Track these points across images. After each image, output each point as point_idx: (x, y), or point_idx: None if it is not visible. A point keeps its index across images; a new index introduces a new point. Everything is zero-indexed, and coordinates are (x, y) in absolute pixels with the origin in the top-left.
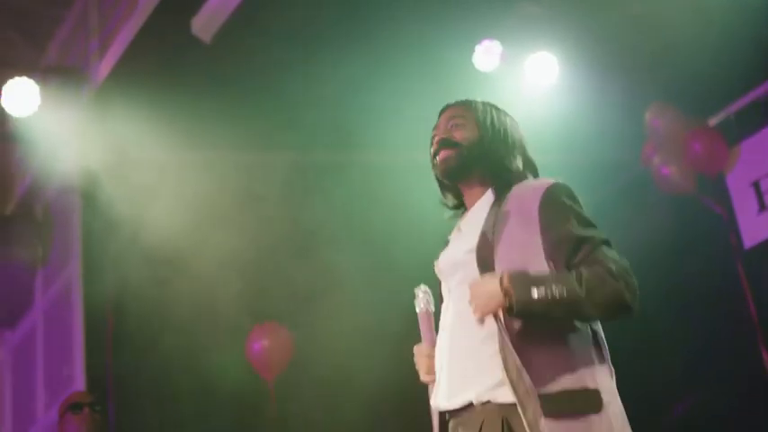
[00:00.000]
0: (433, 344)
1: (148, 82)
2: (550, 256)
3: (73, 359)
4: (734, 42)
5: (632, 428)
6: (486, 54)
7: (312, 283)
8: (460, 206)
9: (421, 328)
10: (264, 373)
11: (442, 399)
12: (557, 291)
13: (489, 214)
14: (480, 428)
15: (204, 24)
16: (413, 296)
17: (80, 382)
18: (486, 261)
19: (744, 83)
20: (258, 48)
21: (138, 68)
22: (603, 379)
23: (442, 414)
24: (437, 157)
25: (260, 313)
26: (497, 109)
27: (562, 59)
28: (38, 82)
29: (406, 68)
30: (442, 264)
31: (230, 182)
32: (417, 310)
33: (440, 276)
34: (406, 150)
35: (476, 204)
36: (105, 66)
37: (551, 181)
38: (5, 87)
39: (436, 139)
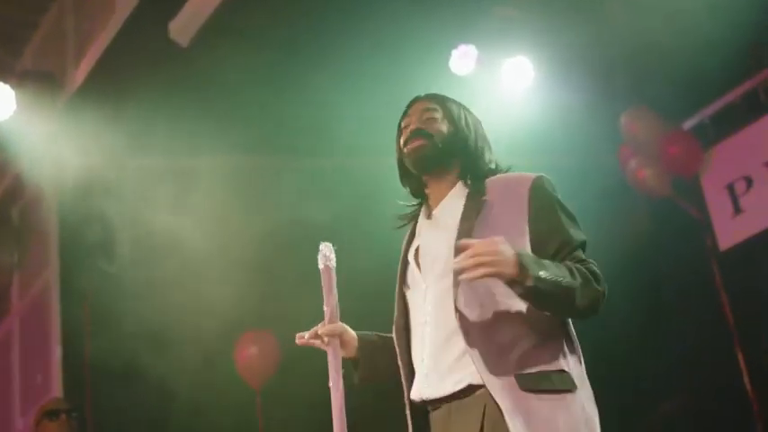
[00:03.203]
0: (329, 305)
1: (125, 86)
2: (535, 245)
3: (50, 365)
4: (709, 47)
5: (609, 430)
6: (463, 58)
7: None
8: (419, 196)
9: (323, 284)
10: (251, 381)
11: (426, 388)
12: (560, 275)
13: (468, 205)
14: (484, 410)
15: (181, 28)
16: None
17: (57, 389)
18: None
19: (718, 87)
20: (235, 52)
21: (114, 73)
22: (575, 365)
23: (417, 407)
24: (408, 146)
25: (244, 319)
26: (468, 110)
27: (538, 63)
28: (13, 87)
29: (383, 72)
30: (420, 256)
31: (206, 184)
32: (320, 266)
33: (413, 265)
34: (382, 154)
35: (447, 196)
36: (81, 70)
37: (536, 174)
38: None
39: (410, 128)
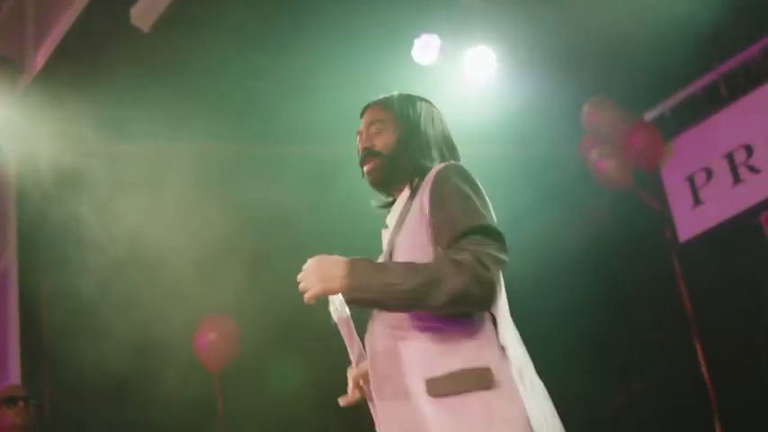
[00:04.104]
0: (355, 351)
1: (85, 72)
2: (434, 239)
3: (7, 353)
4: (670, 39)
5: (569, 424)
6: (425, 48)
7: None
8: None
9: (343, 335)
10: (211, 365)
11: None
12: (390, 281)
13: (402, 211)
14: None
15: (143, 14)
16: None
17: (15, 376)
18: (390, 255)
19: (679, 79)
20: (198, 38)
21: (74, 58)
22: (495, 359)
23: None
24: (363, 167)
25: (205, 304)
26: (414, 100)
27: (501, 54)
28: None
29: (345, 61)
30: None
31: (167, 172)
32: (335, 318)
33: None
34: (343, 142)
35: (398, 200)
36: (41, 56)
37: (444, 164)
38: None
39: (360, 146)
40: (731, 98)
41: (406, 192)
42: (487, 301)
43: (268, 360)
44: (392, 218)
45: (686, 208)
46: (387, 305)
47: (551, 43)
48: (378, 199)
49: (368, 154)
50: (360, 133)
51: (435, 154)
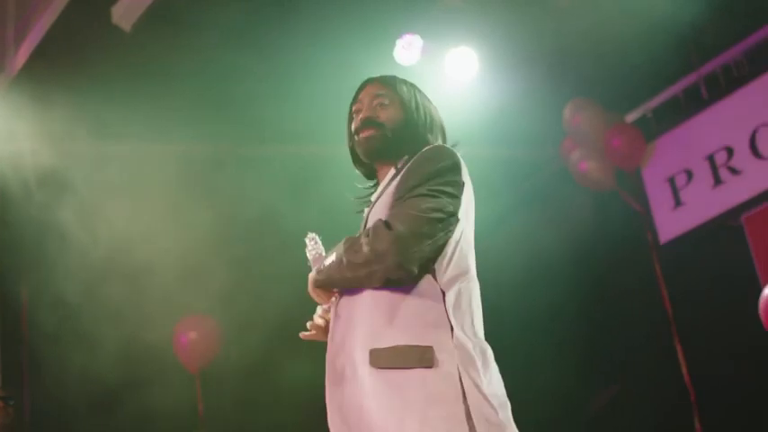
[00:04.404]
0: None
1: (66, 71)
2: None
3: None
4: (651, 41)
5: (552, 422)
6: (407, 48)
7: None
8: (373, 179)
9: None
10: (191, 366)
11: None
12: (331, 264)
13: (385, 186)
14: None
15: (124, 13)
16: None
17: None
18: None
19: (660, 81)
20: (179, 38)
21: (55, 58)
22: (442, 338)
23: None
24: (360, 135)
25: (186, 305)
26: (419, 91)
27: (482, 54)
28: None
29: (327, 62)
30: None
31: (150, 172)
32: (309, 257)
33: None
34: (327, 142)
35: (383, 181)
36: (22, 54)
37: (429, 146)
38: None
39: (360, 116)
40: (712, 100)
41: (392, 171)
42: (402, 273)
43: (253, 361)
44: (375, 196)
45: (667, 209)
46: (337, 285)
47: (533, 45)
48: (361, 181)
49: (370, 123)
50: (357, 104)
51: (433, 141)
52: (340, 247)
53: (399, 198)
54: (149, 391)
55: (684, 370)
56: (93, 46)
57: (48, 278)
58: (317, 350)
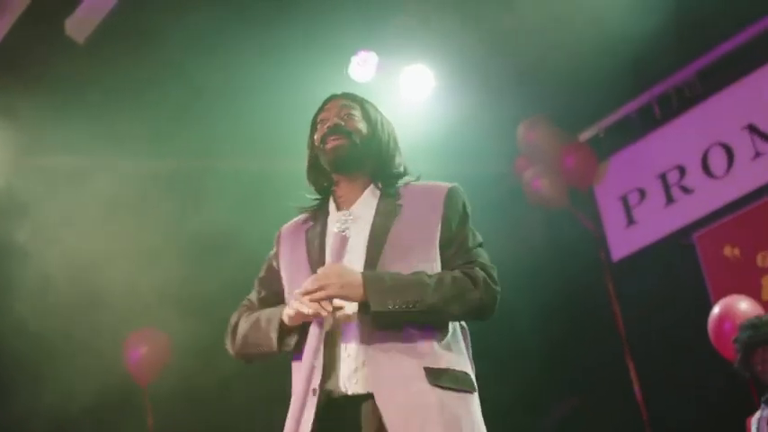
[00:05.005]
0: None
1: (17, 83)
2: (442, 248)
3: None
4: (605, 60)
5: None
6: (362, 65)
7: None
8: (323, 193)
9: (334, 247)
10: (141, 379)
11: (355, 384)
12: (411, 299)
13: (381, 205)
14: (380, 420)
15: (78, 25)
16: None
17: None
18: (377, 247)
19: (614, 100)
20: (132, 51)
21: (7, 69)
22: (469, 368)
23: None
24: (328, 142)
25: (138, 317)
26: (381, 113)
27: (438, 72)
28: None
29: (282, 78)
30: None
31: (100, 186)
32: (340, 230)
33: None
34: (282, 159)
35: (362, 197)
36: None
37: (451, 183)
38: None
39: (328, 124)
40: (664, 119)
41: (373, 191)
42: (493, 311)
43: (200, 374)
44: (360, 209)
45: (620, 227)
46: (408, 320)
47: (488, 63)
48: (315, 186)
49: (340, 130)
50: (323, 114)
51: (399, 161)
52: (425, 279)
53: (467, 250)
54: (103, 405)
55: (637, 387)
56: (45, 58)
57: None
58: (268, 366)
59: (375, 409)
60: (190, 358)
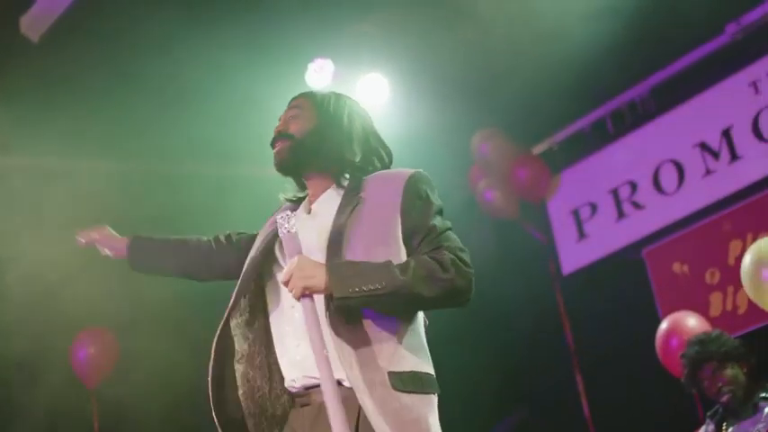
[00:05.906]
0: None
1: None
2: (406, 237)
3: None
4: (559, 74)
5: None
6: (319, 72)
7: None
8: (303, 193)
9: (287, 249)
10: (88, 381)
11: (303, 377)
12: (376, 281)
13: (343, 202)
14: (358, 413)
15: (32, 23)
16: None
17: None
18: (337, 245)
19: (567, 114)
20: (88, 51)
21: None
22: (431, 368)
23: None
24: (273, 150)
25: (85, 321)
26: (340, 97)
27: (393, 81)
28: None
29: (238, 83)
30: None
31: (53, 186)
32: (283, 232)
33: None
34: (239, 164)
35: (325, 193)
36: None
37: (413, 170)
38: None
39: (275, 130)
40: (617, 135)
41: (335, 188)
42: (469, 295)
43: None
44: (321, 209)
45: (571, 241)
46: (371, 306)
47: (443, 73)
48: (289, 190)
49: (278, 137)
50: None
51: (357, 148)
52: (391, 264)
53: (433, 237)
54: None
55: (584, 400)
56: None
57: None
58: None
59: (352, 393)
60: (141, 360)
